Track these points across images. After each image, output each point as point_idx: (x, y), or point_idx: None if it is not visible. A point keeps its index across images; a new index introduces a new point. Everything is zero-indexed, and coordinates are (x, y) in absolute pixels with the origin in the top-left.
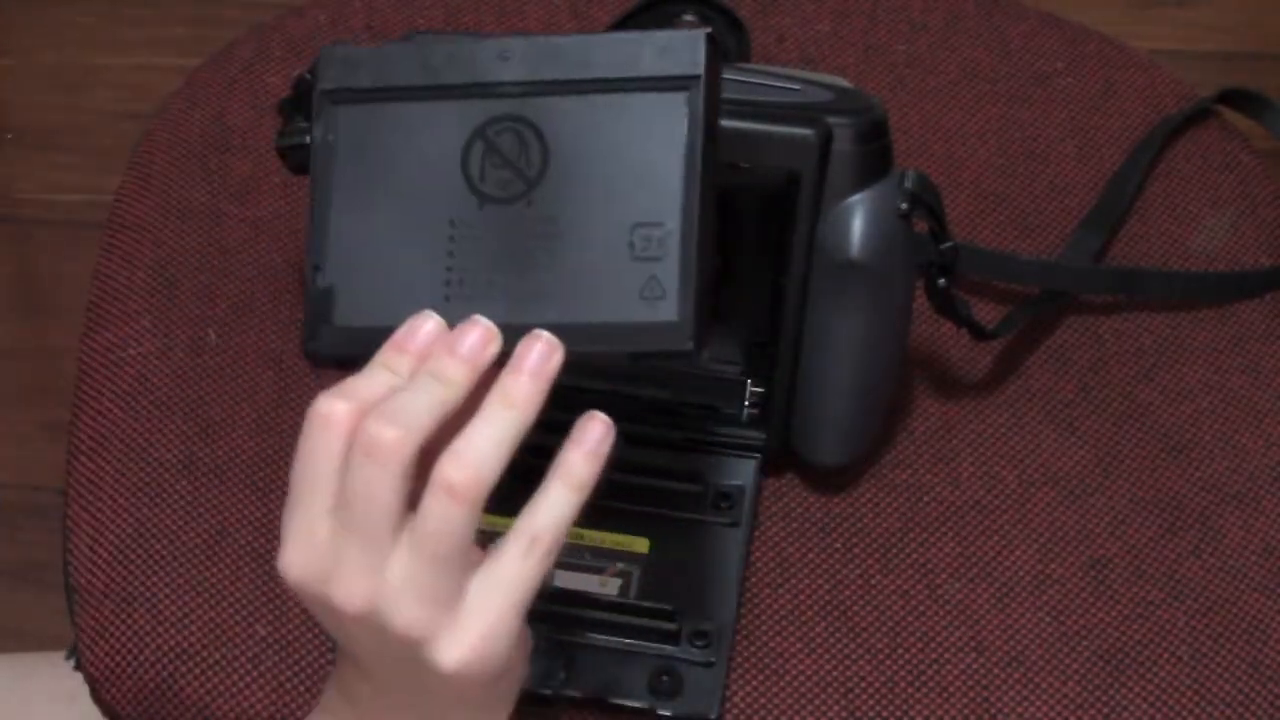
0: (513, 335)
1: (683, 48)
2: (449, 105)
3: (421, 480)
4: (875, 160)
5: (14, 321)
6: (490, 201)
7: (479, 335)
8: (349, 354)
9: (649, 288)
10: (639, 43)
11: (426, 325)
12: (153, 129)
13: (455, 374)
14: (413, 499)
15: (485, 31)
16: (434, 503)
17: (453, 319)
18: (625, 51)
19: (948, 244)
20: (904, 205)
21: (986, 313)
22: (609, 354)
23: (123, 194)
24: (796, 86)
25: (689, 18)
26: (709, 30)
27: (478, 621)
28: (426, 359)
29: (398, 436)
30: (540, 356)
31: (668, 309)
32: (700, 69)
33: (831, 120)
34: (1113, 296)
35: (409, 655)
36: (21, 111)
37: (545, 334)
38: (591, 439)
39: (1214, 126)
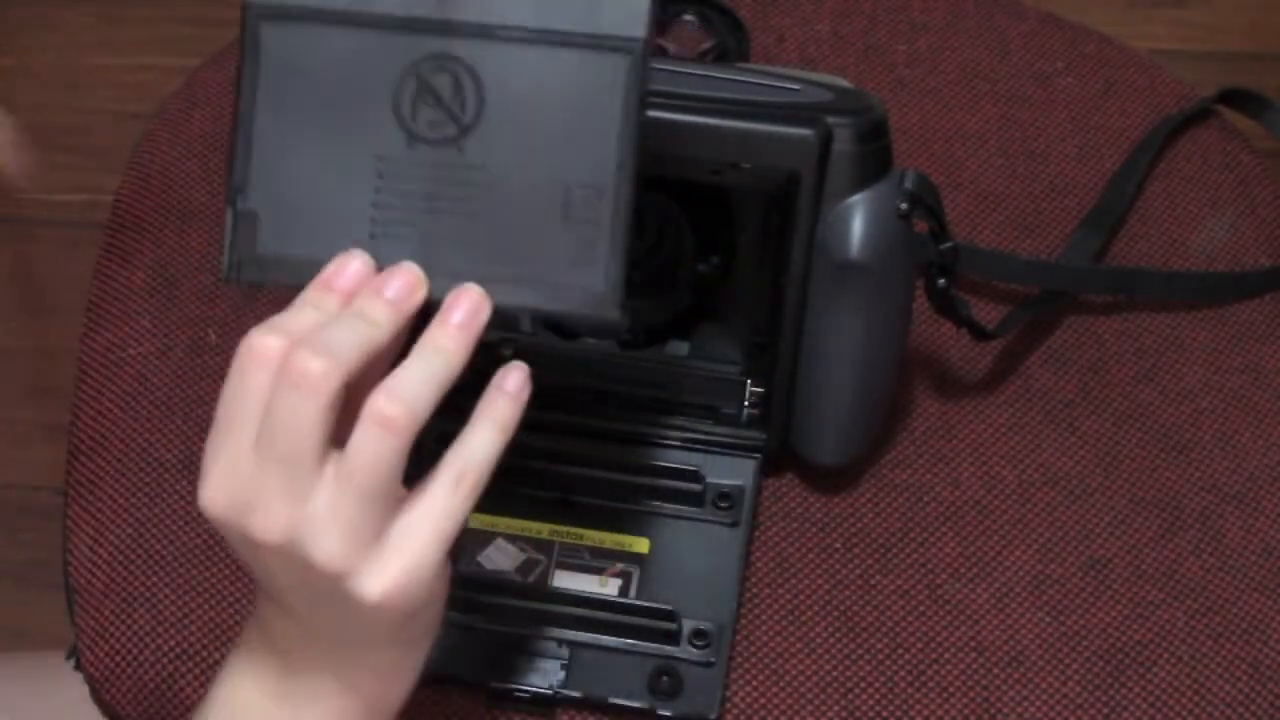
0: (439, 281)
1: (627, 8)
2: (384, 36)
3: (346, 422)
4: (875, 160)
5: (14, 321)
6: (420, 141)
7: (406, 280)
8: (268, 282)
9: (580, 251)
10: None
11: (353, 264)
12: (153, 129)
13: (381, 315)
14: (338, 440)
15: None
16: (366, 435)
17: (378, 256)
18: (572, 3)
19: (947, 244)
20: (904, 205)
21: (986, 313)
22: (532, 311)
23: (123, 194)
24: (796, 86)
25: (689, 17)
26: None
27: (403, 554)
28: (353, 298)
29: (324, 367)
30: (468, 311)
31: (596, 275)
32: (642, 32)
33: (831, 120)
34: (1113, 297)
35: (329, 588)
36: (21, 111)
37: (474, 288)
38: (513, 385)
39: (1214, 126)
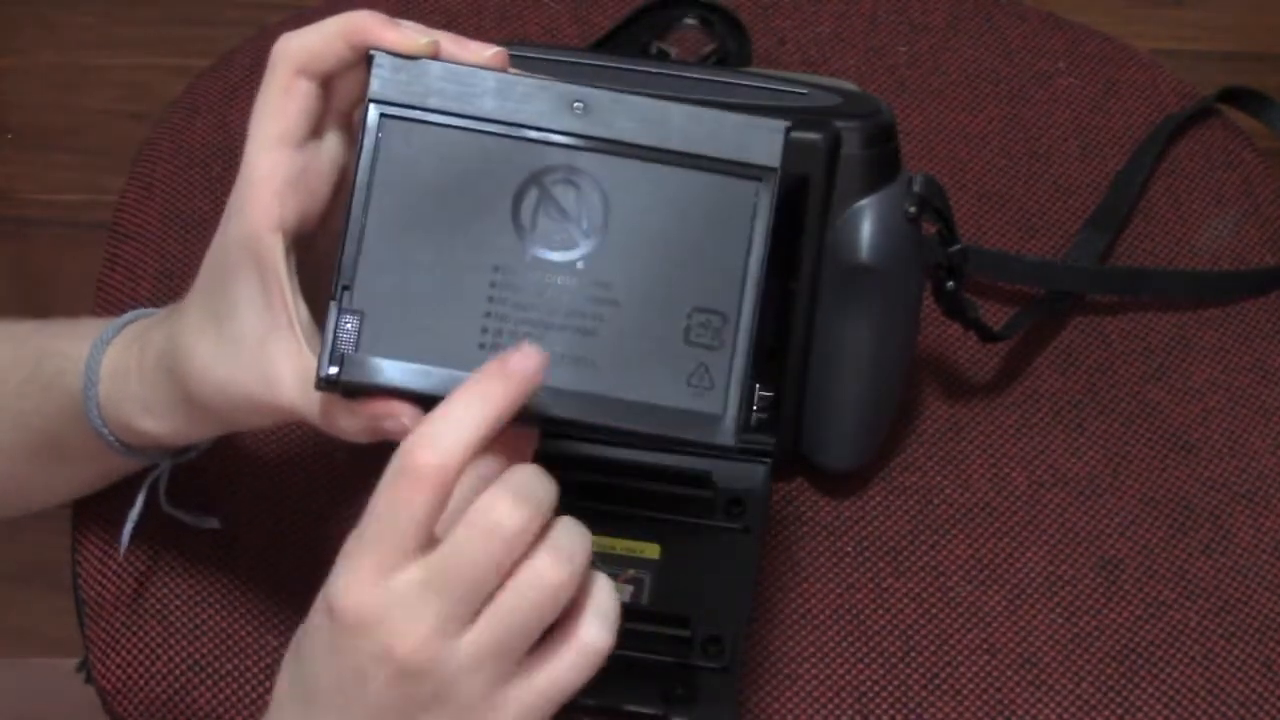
0: (550, 397)
1: (761, 137)
2: (510, 143)
3: None
4: (884, 164)
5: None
6: (538, 253)
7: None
8: (369, 389)
9: (698, 376)
10: (719, 121)
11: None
12: (154, 137)
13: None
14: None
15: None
16: (526, 594)
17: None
18: (705, 127)
19: (956, 247)
20: (912, 209)
21: (992, 314)
22: (643, 434)
23: (125, 203)
24: (803, 90)
25: (690, 20)
26: (788, 123)
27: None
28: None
29: (525, 518)
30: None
31: (714, 401)
32: (776, 162)
33: (839, 124)
34: (1119, 296)
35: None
36: (21, 111)
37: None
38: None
39: (1216, 125)
